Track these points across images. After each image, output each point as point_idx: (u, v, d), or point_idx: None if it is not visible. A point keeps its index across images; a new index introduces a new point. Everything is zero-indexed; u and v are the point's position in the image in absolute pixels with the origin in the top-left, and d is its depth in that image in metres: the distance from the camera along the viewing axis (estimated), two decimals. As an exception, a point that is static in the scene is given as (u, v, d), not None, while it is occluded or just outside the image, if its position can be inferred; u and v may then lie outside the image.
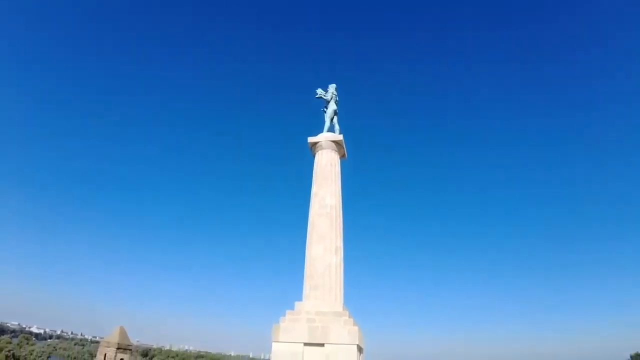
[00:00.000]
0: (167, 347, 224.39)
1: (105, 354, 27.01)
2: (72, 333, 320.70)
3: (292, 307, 17.85)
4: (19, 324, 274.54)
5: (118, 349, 27.02)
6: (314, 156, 21.41)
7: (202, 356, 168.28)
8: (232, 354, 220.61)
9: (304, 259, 19.10)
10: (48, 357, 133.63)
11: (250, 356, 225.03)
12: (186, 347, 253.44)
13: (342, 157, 21.66)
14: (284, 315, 17.50)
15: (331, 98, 22.28)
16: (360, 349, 17.00)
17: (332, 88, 22.54)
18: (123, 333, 28.51)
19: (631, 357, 50.56)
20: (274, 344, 16.49)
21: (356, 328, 16.35)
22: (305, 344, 16.20)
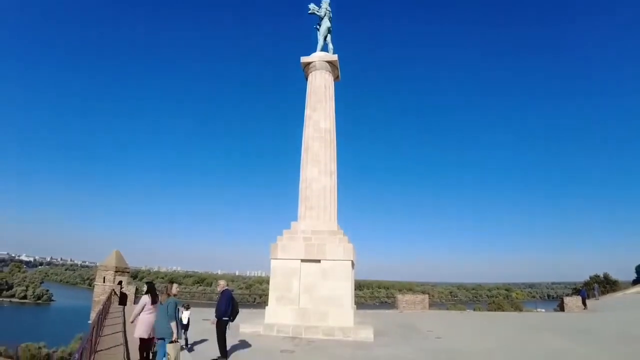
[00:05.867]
0: (156, 269, 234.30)
1: (104, 277, 27.85)
2: (61, 259, 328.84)
3: (288, 227, 18.46)
4: (7, 254, 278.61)
5: (116, 272, 27.88)
6: (306, 78, 20.71)
7: (189, 276, 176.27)
8: (219, 273, 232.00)
9: (298, 182, 19.33)
10: (41, 283, 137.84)
11: (237, 274, 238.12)
12: (174, 268, 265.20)
13: (335, 79, 21.03)
14: (281, 234, 18.12)
15: (325, 14, 20.87)
16: (353, 264, 18.04)
17: (325, 3, 20.99)
18: (119, 256, 29.22)
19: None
20: (272, 260, 17.26)
21: (350, 245, 17.17)
22: (303, 260, 17.03)
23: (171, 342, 7.67)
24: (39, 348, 38.86)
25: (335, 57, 20.35)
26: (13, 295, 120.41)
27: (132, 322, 9.29)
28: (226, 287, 11.40)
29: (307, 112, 19.72)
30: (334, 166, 19.24)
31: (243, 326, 15.52)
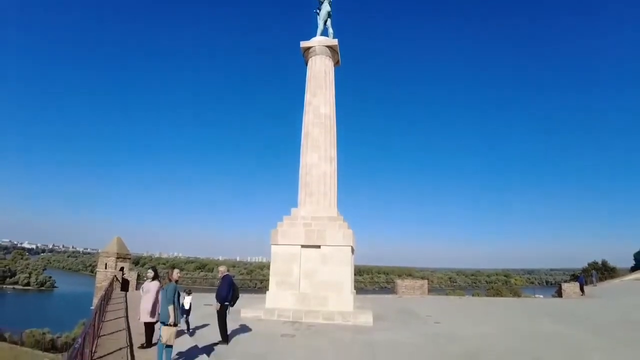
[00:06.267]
0: (157, 255, 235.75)
1: (106, 264, 28.00)
2: (63, 246, 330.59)
3: (288, 213, 18.46)
4: (10, 241, 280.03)
5: (117, 258, 28.02)
6: (306, 63, 20.46)
7: (191, 262, 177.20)
8: (220, 259, 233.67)
9: (298, 168, 19.26)
10: (44, 270, 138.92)
11: (238, 259, 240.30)
12: (176, 254, 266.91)
13: (336, 64, 20.76)
14: (281, 220, 18.13)
15: (325, -2, 20.53)
16: (352, 250, 18.09)
17: (325, -13, 20.62)
18: (120, 243, 29.33)
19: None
20: (273, 246, 17.31)
21: (350, 231, 17.20)
22: (303, 246, 17.08)
23: (168, 325, 7.75)
24: (43, 334, 39.37)
25: (335, 42, 20.07)
26: (16, 282, 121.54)
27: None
28: (227, 273, 11.47)
29: (307, 97, 19.54)
30: (334, 152, 19.15)
31: (244, 311, 15.66)
